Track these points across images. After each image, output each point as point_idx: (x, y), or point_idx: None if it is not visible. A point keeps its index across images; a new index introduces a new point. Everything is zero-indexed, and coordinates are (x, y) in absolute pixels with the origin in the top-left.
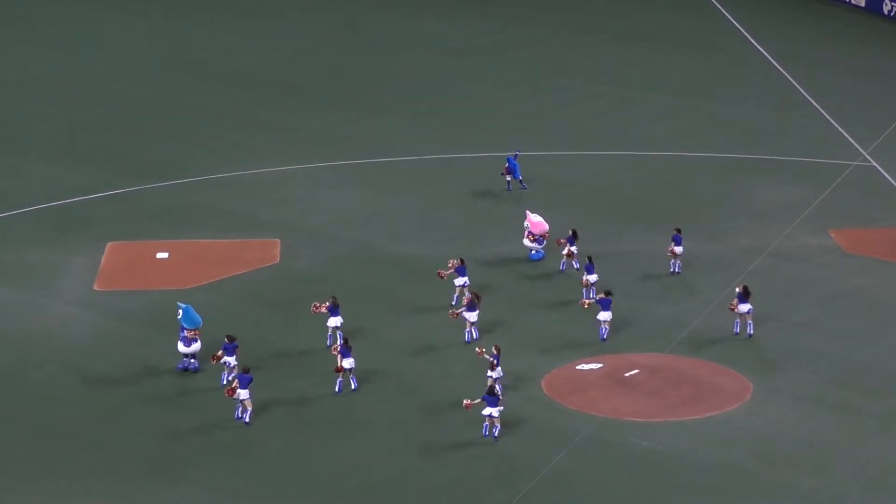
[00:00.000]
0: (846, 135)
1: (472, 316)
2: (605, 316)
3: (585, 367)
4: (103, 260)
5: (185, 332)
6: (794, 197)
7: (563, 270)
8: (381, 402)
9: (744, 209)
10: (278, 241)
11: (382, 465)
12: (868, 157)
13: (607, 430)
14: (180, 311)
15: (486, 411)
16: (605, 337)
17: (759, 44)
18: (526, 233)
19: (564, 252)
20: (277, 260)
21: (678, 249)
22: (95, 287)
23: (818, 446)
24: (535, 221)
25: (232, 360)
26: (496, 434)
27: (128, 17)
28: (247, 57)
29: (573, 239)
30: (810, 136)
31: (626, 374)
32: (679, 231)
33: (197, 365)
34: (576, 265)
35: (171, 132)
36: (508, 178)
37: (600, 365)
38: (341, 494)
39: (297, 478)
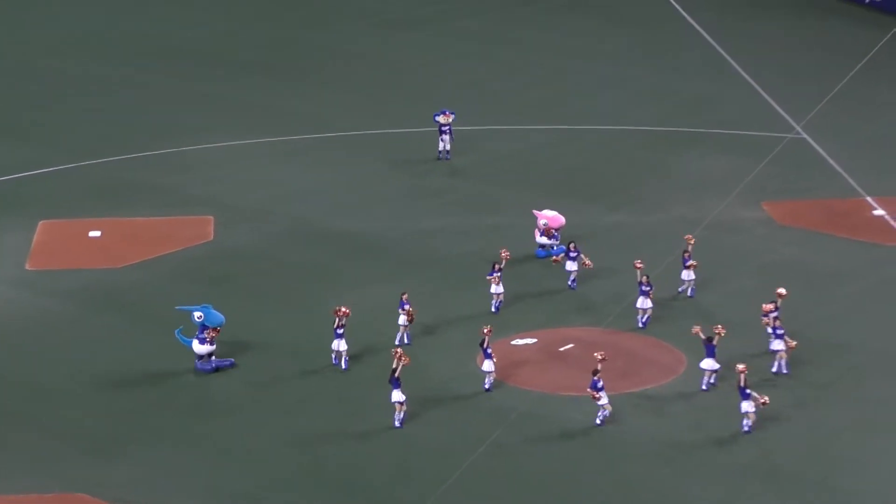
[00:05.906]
0: (779, 109)
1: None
2: (643, 303)
3: (520, 342)
4: (35, 239)
5: (206, 332)
6: (727, 170)
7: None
8: (325, 378)
9: (678, 182)
10: (212, 218)
11: (324, 442)
12: (801, 130)
13: (543, 404)
14: (197, 314)
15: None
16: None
17: (690, 16)
18: (540, 230)
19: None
20: (211, 237)
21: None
22: (27, 266)
23: (754, 416)
24: (552, 216)
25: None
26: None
27: None
28: (183, 32)
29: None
30: (744, 110)
31: (561, 349)
32: (687, 255)
33: (233, 361)
34: (571, 285)
35: (104, 108)
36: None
37: (534, 340)
38: (285, 469)
39: (243, 454)
